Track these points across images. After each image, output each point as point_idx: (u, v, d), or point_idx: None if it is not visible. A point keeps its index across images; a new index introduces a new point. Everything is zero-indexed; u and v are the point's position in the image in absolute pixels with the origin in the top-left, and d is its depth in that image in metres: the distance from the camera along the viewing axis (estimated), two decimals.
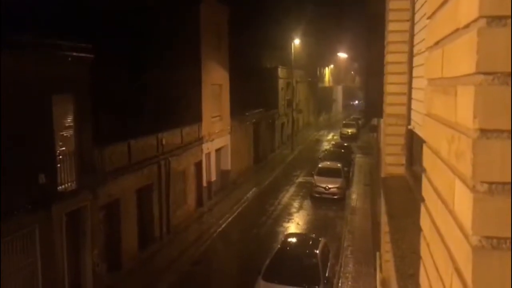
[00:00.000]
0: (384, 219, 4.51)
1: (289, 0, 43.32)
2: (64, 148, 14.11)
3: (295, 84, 47.18)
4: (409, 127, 4.18)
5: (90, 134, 15.37)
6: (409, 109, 4.27)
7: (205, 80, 25.85)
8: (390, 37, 4.57)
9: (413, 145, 4.26)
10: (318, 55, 58.14)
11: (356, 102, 74.49)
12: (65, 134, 14.28)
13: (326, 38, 56.16)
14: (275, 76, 42.49)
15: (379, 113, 18.39)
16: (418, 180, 3.99)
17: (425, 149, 1.58)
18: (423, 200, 1.56)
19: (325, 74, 70.89)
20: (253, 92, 37.61)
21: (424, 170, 1.56)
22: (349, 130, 52.34)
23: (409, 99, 4.27)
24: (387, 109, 4.70)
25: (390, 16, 4.50)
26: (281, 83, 43.90)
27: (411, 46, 4.26)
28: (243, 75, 35.32)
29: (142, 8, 24.68)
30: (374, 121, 36.68)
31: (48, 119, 13.32)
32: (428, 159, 1.52)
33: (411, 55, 4.29)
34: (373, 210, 24.99)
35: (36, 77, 12.65)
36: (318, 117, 67.33)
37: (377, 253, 6.17)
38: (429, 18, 1.51)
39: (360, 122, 57.50)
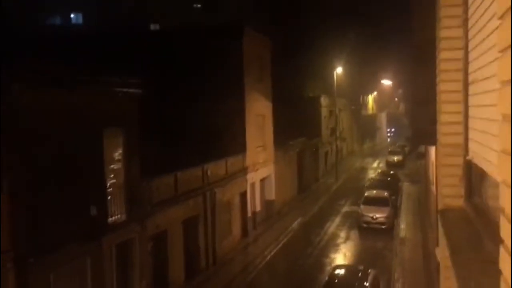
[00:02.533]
0: (444, 253, 4.32)
1: (331, 30, 43.54)
2: (114, 181, 14.49)
3: (338, 112, 46.94)
4: (467, 157, 4.04)
5: (138, 167, 15.73)
6: (466, 139, 4.12)
7: (249, 111, 26.11)
8: (442, 66, 4.47)
9: (472, 176, 4.10)
10: (361, 82, 57.82)
11: (392, 129, 74.44)
12: (114, 167, 14.68)
13: (369, 66, 55.89)
14: (318, 105, 42.46)
15: (426, 140, 17.83)
16: (479, 212, 3.82)
17: (502, 188, 1.51)
18: (501, 241, 1.48)
19: (368, 102, 70.23)
20: (296, 121, 37.63)
21: (501, 209, 1.48)
22: (395, 158, 51.23)
23: (466, 128, 4.13)
24: (442, 139, 4.55)
25: (442, 44, 4.41)
26: (324, 111, 43.78)
27: (466, 74, 4.15)
28: (286, 105, 35.48)
29: (186, 43, 25.44)
30: (421, 148, 35.75)
31: (100, 152, 13.77)
32: (505, 199, 1.44)
33: (466, 84, 4.17)
34: (424, 240, 24.09)
35: (89, 111, 13.16)
36: (362, 145, 66.41)
37: None
38: (501, 52, 1.46)
39: (406, 149, 56.25)
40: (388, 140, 72.47)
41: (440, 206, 4.65)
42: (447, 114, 4.47)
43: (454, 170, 4.38)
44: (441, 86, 4.52)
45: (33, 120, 11.24)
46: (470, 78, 4.06)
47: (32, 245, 10.94)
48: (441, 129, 4.58)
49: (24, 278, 10.76)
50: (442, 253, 4.43)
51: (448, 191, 4.43)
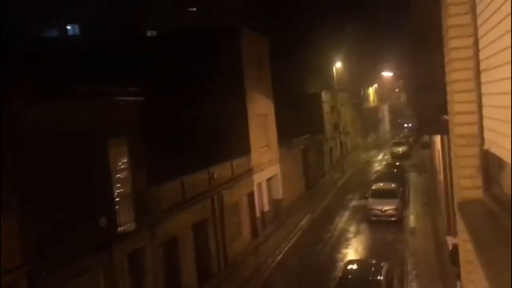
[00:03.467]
0: (465, 247, 4.23)
1: (328, 24, 43.40)
2: (121, 190, 14.43)
3: (339, 107, 46.81)
4: (484, 147, 3.94)
5: (145, 174, 15.68)
6: (480, 128, 4.03)
7: (251, 111, 26.04)
8: (452, 55, 4.37)
9: (490, 166, 4.01)
10: (361, 75, 57.64)
11: (409, 124, 67.90)
12: (121, 176, 14.63)
13: (368, 58, 55.69)
14: (319, 101, 42.36)
15: (433, 129, 17.64)
16: (499, 203, 3.73)
17: None
18: None
19: (369, 94, 70.03)
20: (298, 118, 37.55)
21: None
22: (400, 149, 50.96)
23: (480, 117, 4.04)
24: (456, 130, 4.46)
25: (450, 33, 4.31)
26: (325, 107, 43.67)
27: (477, 62, 4.05)
28: (287, 102, 35.39)
29: (184, 47, 25.37)
30: (426, 137, 35.59)
31: (105, 162, 13.71)
32: None
33: (477, 72, 4.08)
34: (434, 230, 23.97)
35: (92, 123, 13.11)
36: (366, 138, 66.23)
37: (458, 283, 5.80)
38: None
39: (410, 139, 56.07)
40: (405, 132, 65.11)
41: (458, 199, 4.55)
42: (459, 104, 4.38)
43: (470, 161, 4.29)
44: (452, 76, 4.42)
45: (37, 134, 11.18)
46: (482, 65, 3.97)
47: (44, 260, 10.89)
48: (454, 119, 4.48)
49: None
50: (463, 247, 4.35)
51: (466, 183, 4.33)
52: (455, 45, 4.31)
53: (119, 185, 14.41)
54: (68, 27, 38.89)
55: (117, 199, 14.11)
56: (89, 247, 12.40)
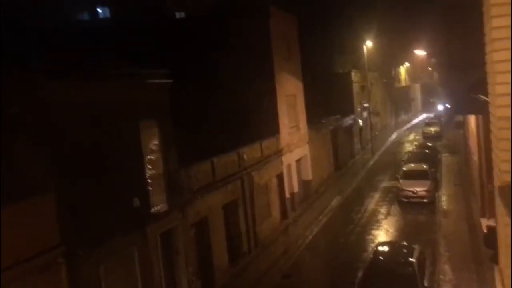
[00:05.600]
0: (505, 231, 4.13)
1: (359, 2, 42.44)
2: (153, 171, 14.65)
3: (370, 86, 46.04)
4: None
5: (176, 156, 15.85)
6: None
7: (280, 92, 25.87)
8: (494, 34, 4.20)
9: None
10: (392, 54, 56.41)
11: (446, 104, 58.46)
12: (152, 158, 14.83)
13: (399, 37, 54.32)
14: (349, 81, 41.75)
15: (467, 109, 17.12)
16: None
17: None
18: None
19: (400, 73, 68.58)
20: (328, 99, 37.16)
21: None
22: (432, 129, 49.95)
23: None
24: (497, 112, 4.31)
25: (493, 11, 4.14)
26: (355, 87, 43.02)
27: None
28: (317, 83, 35.01)
29: (212, 28, 25.28)
30: (459, 117, 34.72)
31: (138, 144, 13.92)
32: None
33: None
34: (468, 212, 23.54)
35: (124, 104, 13.27)
36: (397, 118, 65.14)
37: (495, 267, 5.69)
38: None
39: (442, 119, 54.83)
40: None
41: (498, 183, 4.43)
42: (501, 85, 4.22)
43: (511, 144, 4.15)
44: (493, 56, 4.25)
45: (72, 116, 11.40)
46: None
47: (81, 239, 11.22)
48: (495, 101, 4.32)
49: (75, 270, 11.07)
50: (503, 231, 4.25)
51: (506, 166, 4.20)
52: (497, 24, 4.13)
53: (150, 166, 14.63)
54: (99, 10, 39.24)
55: (149, 180, 14.34)
56: (124, 227, 12.70)
